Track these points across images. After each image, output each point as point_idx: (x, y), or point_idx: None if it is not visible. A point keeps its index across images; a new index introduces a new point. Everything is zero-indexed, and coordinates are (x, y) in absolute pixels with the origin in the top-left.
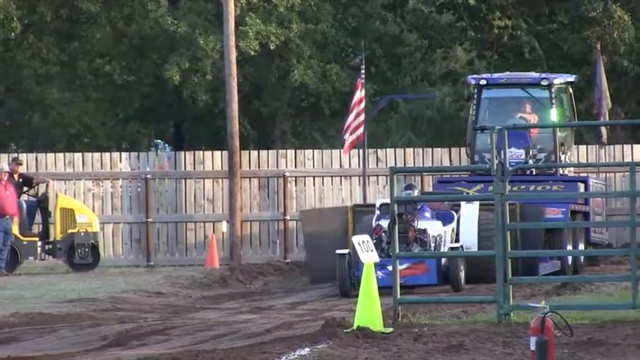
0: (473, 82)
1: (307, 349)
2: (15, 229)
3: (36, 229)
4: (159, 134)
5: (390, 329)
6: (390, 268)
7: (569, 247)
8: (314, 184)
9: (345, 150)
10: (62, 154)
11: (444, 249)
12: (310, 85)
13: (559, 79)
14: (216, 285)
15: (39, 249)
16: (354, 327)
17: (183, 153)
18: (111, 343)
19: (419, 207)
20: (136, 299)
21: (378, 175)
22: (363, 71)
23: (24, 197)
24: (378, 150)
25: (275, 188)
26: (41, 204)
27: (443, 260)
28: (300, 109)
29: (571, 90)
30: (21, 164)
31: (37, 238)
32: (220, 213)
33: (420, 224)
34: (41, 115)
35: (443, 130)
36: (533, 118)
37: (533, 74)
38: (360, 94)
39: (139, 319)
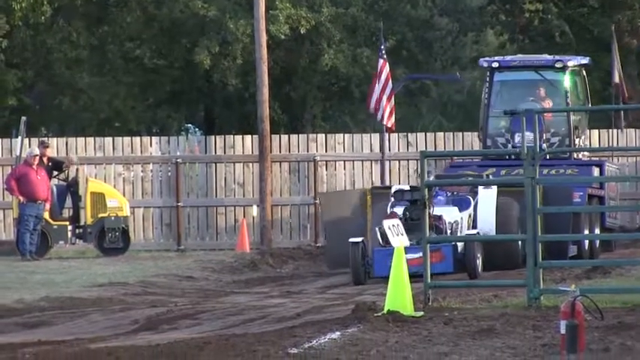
0: (485, 64)
1: (338, 333)
2: (45, 214)
3: (66, 213)
4: (189, 118)
5: (421, 313)
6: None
7: (586, 232)
8: (344, 168)
9: (387, 120)
10: (92, 138)
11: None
12: (341, 69)
13: (573, 62)
14: (246, 269)
15: (69, 233)
16: (385, 311)
17: (213, 137)
18: (141, 327)
19: (433, 193)
20: (166, 283)
21: (408, 160)
22: (383, 48)
23: (54, 181)
24: (409, 134)
25: (305, 172)
26: (71, 188)
27: (459, 247)
28: (330, 93)
29: (584, 72)
30: (48, 147)
31: (67, 223)
32: (251, 197)
33: (436, 210)
34: (71, 100)
35: (473, 114)
36: (547, 102)
37: (547, 56)
38: (386, 71)
39: (170, 303)
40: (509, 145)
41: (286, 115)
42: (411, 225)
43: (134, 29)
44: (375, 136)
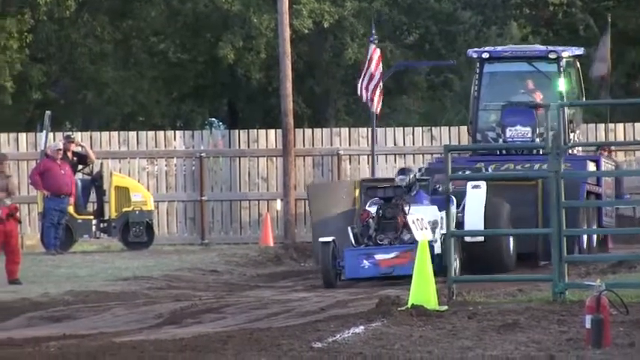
0: (474, 55)
1: (362, 327)
2: (70, 208)
3: (91, 207)
4: (213, 113)
5: (445, 307)
6: (377, 257)
7: (584, 227)
8: (368, 162)
9: (376, 107)
10: (117, 132)
11: (438, 236)
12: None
13: (567, 52)
14: (270, 263)
15: (94, 227)
16: (409, 305)
17: (237, 131)
18: (165, 321)
19: (414, 192)
20: (190, 277)
21: (432, 154)
22: (374, 33)
23: (78, 176)
24: (433, 128)
25: (329, 166)
26: (96, 182)
27: (436, 249)
28: (353, 87)
29: (579, 64)
30: (73, 141)
31: (91, 217)
32: (274, 191)
33: (413, 210)
34: (96, 94)
35: None
36: (538, 95)
37: (540, 47)
38: (377, 57)
39: (194, 297)
40: (500, 140)
41: (310, 109)
42: (385, 224)
43: (158, 24)
44: (399, 130)
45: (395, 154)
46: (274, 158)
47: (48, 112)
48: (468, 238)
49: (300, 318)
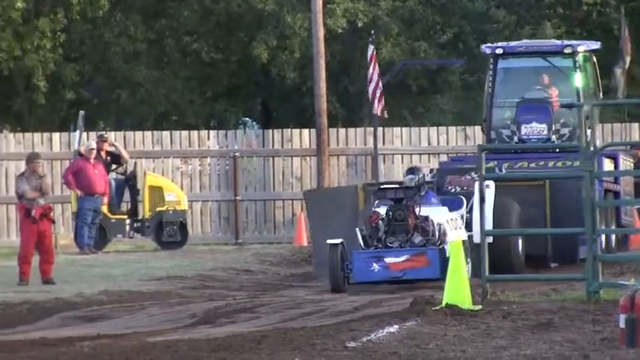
0: (488, 51)
1: (396, 327)
2: (104, 208)
3: (124, 207)
4: (247, 112)
5: (479, 307)
6: (387, 260)
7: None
8: (402, 162)
9: (381, 112)
10: (150, 132)
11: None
12: (398, 63)
13: (583, 47)
14: (304, 263)
15: (127, 227)
16: (443, 304)
17: (271, 131)
18: (199, 320)
19: (423, 192)
20: (224, 277)
21: (466, 153)
22: (373, 32)
23: (112, 175)
24: (467, 127)
25: (363, 166)
26: (129, 182)
27: (447, 252)
28: (387, 87)
29: (595, 59)
30: (106, 141)
31: (125, 216)
32: None
33: (423, 211)
34: (129, 93)
35: None
36: (554, 90)
37: (555, 42)
38: (374, 65)
39: (228, 296)
40: (515, 138)
41: (344, 109)
42: (395, 226)
43: (191, 23)
44: (433, 130)
45: (429, 154)
46: (308, 158)
47: (81, 112)
48: (476, 239)
49: (334, 317)
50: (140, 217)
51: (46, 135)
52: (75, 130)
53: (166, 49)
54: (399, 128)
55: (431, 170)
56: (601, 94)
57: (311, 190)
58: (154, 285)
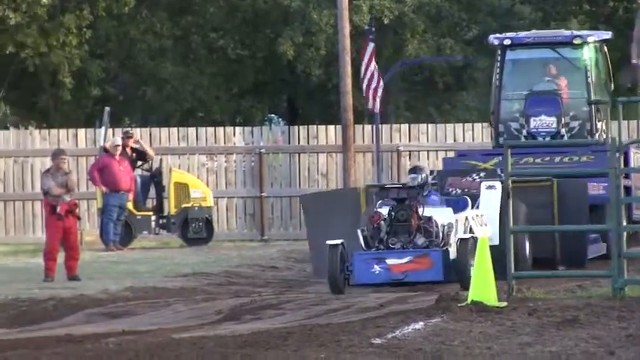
0: (496, 42)
1: (421, 323)
2: (129, 204)
3: (150, 203)
4: (272, 109)
5: (504, 303)
6: (388, 262)
7: None
8: (428, 159)
9: (377, 108)
10: (176, 128)
11: (453, 240)
12: (424, 60)
13: (593, 37)
14: None
15: (153, 223)
16: (469, 301)
17: (297, 127)
18: (225, 317)
19: (425, 192)
20: (250, 273)
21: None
22: (372, 28)
23: (138, 172)
24: None
25: (389, 162)
26: (155, 178)
27: (451, 254)
28: (414, 84)
29: (606, 49)
30: (132, 137)
31: (151, 213)
32: (334, 187)
33: (426, 211)
34: (155, 90)
35: None
36: (563, 82)
37: (564, 32)
38: (372, 61)
39: (253, 293)
40: (524, 131)
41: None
42: (397, 227)
43: (217, 20)
44: (459, 126)
45: (455, 151)
46: (334, 154)
47: (107, 108)
48: None
49: (360, 314)
50: (166, 213)
51: (71, 131)
52: (100, 127)
53: (192, 45)
54: (424, 125)
55: (431, 172)
56: (612, 85)
57: (308, 195)
58: (179, 281)
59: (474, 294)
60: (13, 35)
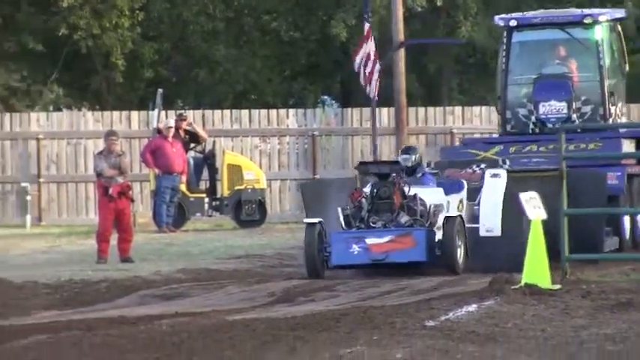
0: (501, 23)
1: (475, 306)
2: (182, 186)
3: (203, 185)
4: (325, 91)
5: (558, 286)
6: (368, 241)
7: (627, 219)
8: None
9: (373, 92)
10: (229, 110)
11: (439, 222)
12: (477, 42)
13: (605, 16)
14: None
15: (206, 205)
16: (522, 284)
17: (350, 110)
18: (278, 299)
19: (420, 174)
20: (303, 255)
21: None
22: (369, 10)
23: (191, 154)
24: None
25: (442, 145)
26: (208, 160)
27: (437, 235)
28: (467, 66)
29: (619, 29)
30: (185, 120)
31: (204, 195)
32: None
33: (412, 190)
34: (208, 72)
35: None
36: (574, 64)
37: (574, 11)
38: (371, 44)
39: (306, 275)
40: (533, 117)
41: (423, 88)
42: (379, 205)
43: (270, 2)
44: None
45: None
46: (387, 137)
47: (160, 90)
48: (482, 232)
49: (413, 296)
50: (218, 195)
51: (124, 113)
52: (153, 109)
53: (245, 27)
54: (477, 107)
55: (428, 164)
56: (627, 66)
57: (308, 182)
58: (232, 263)
59: (527, 276)
60: (65, 17)
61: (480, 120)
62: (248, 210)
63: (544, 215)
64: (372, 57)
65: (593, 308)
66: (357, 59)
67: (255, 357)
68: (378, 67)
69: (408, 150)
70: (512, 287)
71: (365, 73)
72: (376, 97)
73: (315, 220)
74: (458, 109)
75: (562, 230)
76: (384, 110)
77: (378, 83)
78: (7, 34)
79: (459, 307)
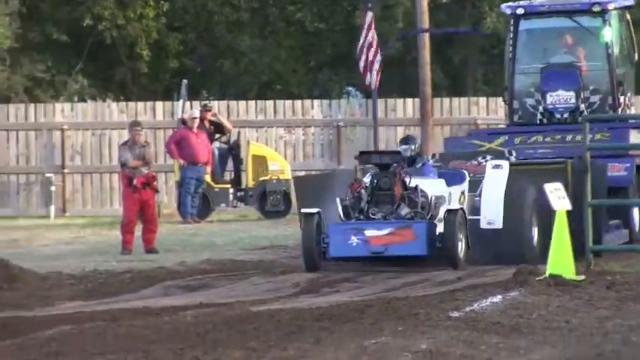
0: (508, 11)
1: (499, 297)
2: (207, 177)
3: (227, 176)
4: (350, 82)
5: (583, 277)
6: (367, 233)
7: (636, 211)
8: None
9: (373, 82)
10: (254, 101)
11: (441, 214)
12: (502, 33)
13: (614, 4)
14: None
15: (231, 196)
16: (547, 275)
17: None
18: (303, 290)
19: (420, 164)
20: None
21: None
22: (372, 4)
23: (215, 144)
24: None
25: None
26: (233, 151)
27: (438, 227)
28: (492, 57)
29: (629, 16)
30: (210, 110)
31: (228, 186)
32: None
33: (414, 181)
34: (232, 63)
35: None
36: (582, 53)
37: None
38: (370, 31)
39: (330, 266)
40: (541, 107)
41: (448, 79)
42: (379, 196)
43: None
44: None
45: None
46: (412, 127)
47: (185, 81)
48: (483, 224)
49: (437, 287)
50: (243, 186)
51: (149, 104)
52: (178, 99)
53: (270, 18)
54: (501, 98)
55: (433, 155)
56: (637, 55)
57: (300, 177)
58: (257, 254)
59: (551, 267)
60: (90, 8)
61: (504, 111)
62: (273, 201)
63: (569, 206)
64: (374, 46)
65: (617, 299)
66: (358, 49)
67: (279, 348)
68: (379, 57)
69: (407, 140)
70: (537, 278)
71: (367, 61)
72: (375, 88)
73: (314, 211)
74: (482, 99)
75: (586, 221)
76: (409, 101)
77: (378, 73)
78: (32, 25)
79: (484, 298)
